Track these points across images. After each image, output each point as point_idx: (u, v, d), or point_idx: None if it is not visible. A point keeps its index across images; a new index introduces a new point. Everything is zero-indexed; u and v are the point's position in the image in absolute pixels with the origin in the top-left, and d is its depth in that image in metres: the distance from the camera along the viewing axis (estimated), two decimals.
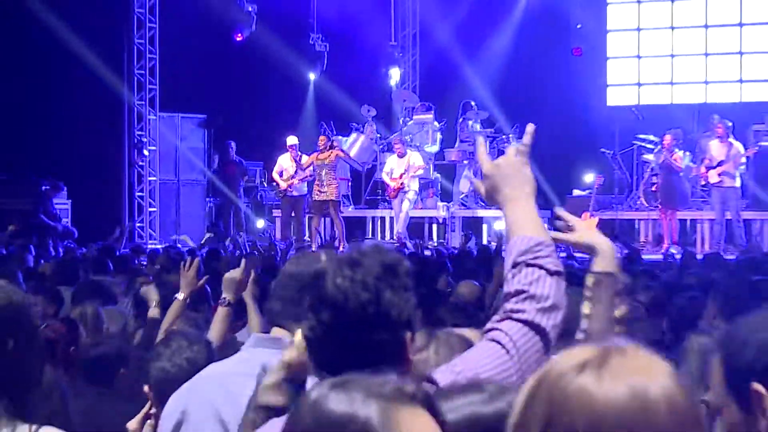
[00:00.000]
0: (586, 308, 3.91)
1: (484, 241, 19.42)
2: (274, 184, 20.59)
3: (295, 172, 20.30)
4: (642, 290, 10.03)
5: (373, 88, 23.09)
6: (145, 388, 5.35)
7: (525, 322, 3.30)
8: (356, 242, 18.30)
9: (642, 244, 19.15)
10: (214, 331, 5.76)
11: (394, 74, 23.67)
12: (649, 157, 20.03)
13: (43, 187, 19.17)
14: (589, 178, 21.07)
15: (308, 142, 21.27)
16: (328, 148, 20.18)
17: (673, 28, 23.08)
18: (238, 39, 21.23)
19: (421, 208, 21.03)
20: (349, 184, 22.09)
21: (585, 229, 4.24)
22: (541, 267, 3.39)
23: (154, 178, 20.54)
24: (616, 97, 23.49)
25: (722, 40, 22.78)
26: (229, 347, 5.84)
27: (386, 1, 23.91)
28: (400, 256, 3.39)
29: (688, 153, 19.83)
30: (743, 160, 18.95)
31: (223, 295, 5.52)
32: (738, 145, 18.94)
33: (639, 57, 23.51)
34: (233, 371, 4.57)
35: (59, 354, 6.83)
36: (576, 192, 21.05)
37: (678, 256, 16.27)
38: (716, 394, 2.93)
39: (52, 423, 3.79)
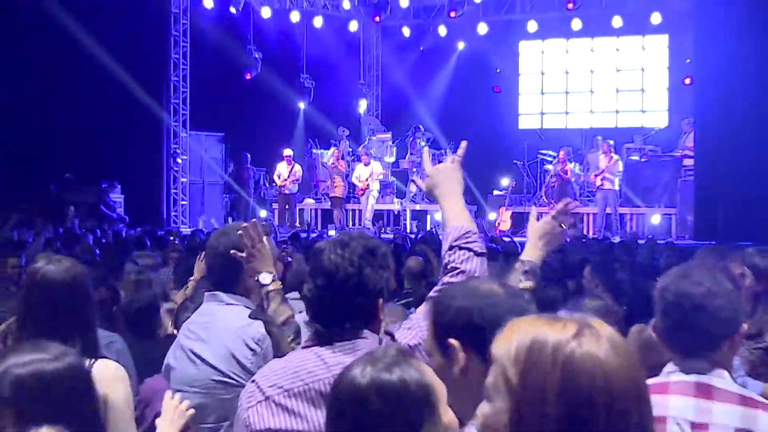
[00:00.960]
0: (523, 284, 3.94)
1: (428, 228, 19.54)
2: (273, 184, 20.76)
3: (288, 176, 20.27)
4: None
5: (347, 114, 23.11)
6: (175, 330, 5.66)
7: None
8: (347, 228, 18.49)
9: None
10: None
11: (362, 104, 23.74)
12: (549, 167, 20.31)
13: (103, 185, 19.26)
14: (504, 181, 21.25)
15: (298, 153, 21.63)
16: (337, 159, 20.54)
17: (567, 72, 23.34)
18: (248, 77, 21.20)
19: (382, 203, 21.09)
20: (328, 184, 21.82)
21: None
22: (469, 249, 3.57)
23: (185, 180, 20.53)
24: (525, 123, 23.60)
25: (603, 80, 23.05)
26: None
27: (356, 51, 23.95)
28: (379, 242, 3.64)
29: (577, 164, 20.16)
30: (620, 169, 19.21)
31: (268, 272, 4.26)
32: (616, 158, 19.15)
33: (542, 93, 23.72)
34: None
35: (106, 310, 6.81)
36: (495, 192, 21.18)
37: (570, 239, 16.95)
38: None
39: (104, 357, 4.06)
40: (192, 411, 3.67)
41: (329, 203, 20.90)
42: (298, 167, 20.73)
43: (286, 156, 20.52)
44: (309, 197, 21.70)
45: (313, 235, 17.22)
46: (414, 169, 21.28)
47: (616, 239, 16.40)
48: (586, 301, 6.19)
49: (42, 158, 19.02)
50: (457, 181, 3.83)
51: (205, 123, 21.03)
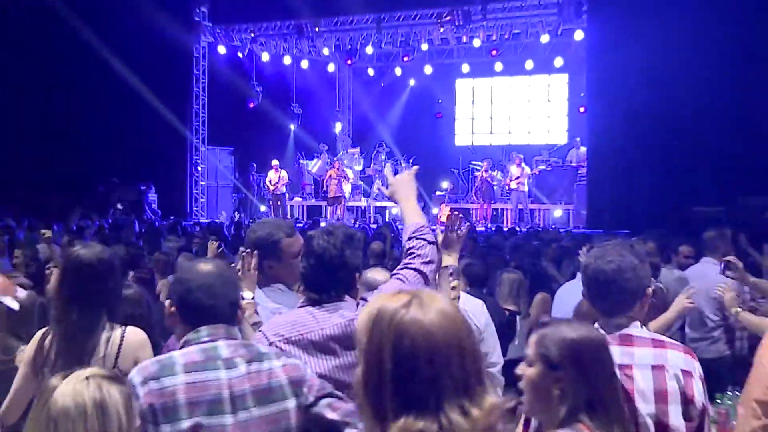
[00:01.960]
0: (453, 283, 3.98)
1: (387, 219, 19.31)
2: (266, 187, 20.54)
3: (277, 181, 20.13)
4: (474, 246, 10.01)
5: (326, 134, 22.90)
6: None
7: (415, 269, 3.51)
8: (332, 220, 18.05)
9: (475, 221, 18.99)
10: None
11: (338, 126, 23.62)
12: (477, 173, 20.14)
13: (141, 187, 19.27)
14: (444, 184, 21.13)
15: (289, 163, 21.63)
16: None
17: (491, 102, 23.37)
18: (251, 106, 21.09)
19: (352, 201, 20.93)
20: (312, 186, 22.10)
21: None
22: (424, 239, 3.59)
23: (203, 183, 20.49)
24: (459, 140, 23.54)
25: (518, 109, 23.02)
26: None
27: (333, 86, 23.92)
28: (356, 230, 3.68)
29: (498, 172, 20.10)
30: (528, 174, 19.32)
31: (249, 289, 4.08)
32: (526, 168, 19.25)
33: (473, 118, 23.65)
34: None
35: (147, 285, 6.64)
36: (438, 192, 20.88)
37: (493, 228, 16.40)
38: None
39: (137, 325, 3.97)
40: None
41: (326, 201, 20.58)
42: (284, 173, 20.49)
43: (274, 165, 20.34)
44: (298, 196, 21.54)
45: (299, 224, 16.91)
46: (376, 176, 21.13)
47: (524, 228, 16.50)
48: (504, 274, 6.82)
49: (96, 165, 18.98)
50: (412, 189, 3.85)
51: (219, 140, 20.95)
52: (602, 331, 3.02)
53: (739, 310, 4.72)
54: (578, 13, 17.73)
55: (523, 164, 19.45)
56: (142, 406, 2.63)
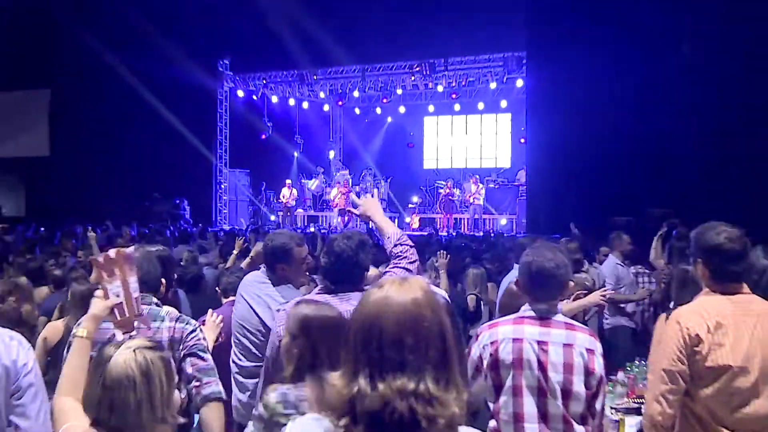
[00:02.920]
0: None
1: (370, 226, 19.32)
2: (280, 201, 20.57)
3: (289, 196, 20.36)
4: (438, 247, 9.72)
5: (322, 159, 22.81)
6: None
7: (403, 268, 3.52)
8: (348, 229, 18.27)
9: (439, 228, 18.66)
10: None
11: (332, 153, 23.51)
12: (441, 190, 20.26)
13: (176, 201, 19.19)
14: (415, 198, 21.14)
15: (293, 182, 21.26)
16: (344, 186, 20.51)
17: (452, 134, 23.28)
18: (263, 137, 21.04)
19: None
20: (311, 200, 22.10)
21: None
22: (407, 244, 3.59)
23: (225, 197, 20.32)
24: (427, 164, 23.39)
25: (472, 140, 22.94)
26: None
27: (327, 122, 23.87)
28: (367, 237, 3.70)
29: (458, 189, 20.14)
30: (481, 191, 19.38)
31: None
32: (480, 186, 19.34)
33: (437, 147, 23.54)
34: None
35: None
36: (410, 205, 20.93)
37: (454, 233, 16.49)
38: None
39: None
40: (221, 321, 3.85)
41: (336, 212, 20.52)
42: (294, 190, 20.67)
43: (287, 184, 20.50)
44: (300, 208, 21.40)
45: (299, 229, 17.05)
46: (361, 192, 20.79)
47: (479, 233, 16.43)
48: (469, 270, 6.78)
49: (142, 184, 19.07)
50: (378, 206, 3.88)
51: (238, 164, 20.83)
52: (529, 312, 3.08)
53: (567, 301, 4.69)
54: (519, 65, 17.81)
55: (477, 183, 19.53)
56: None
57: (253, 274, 4.41)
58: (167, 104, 18.48)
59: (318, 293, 3.47)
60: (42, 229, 15.40)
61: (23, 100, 21.21)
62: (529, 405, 2.95)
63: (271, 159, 21.73)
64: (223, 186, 20.45)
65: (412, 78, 19.97)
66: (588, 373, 2.97)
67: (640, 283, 7.73)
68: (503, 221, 19.30)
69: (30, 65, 19.85)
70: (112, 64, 17.90)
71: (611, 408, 4.53)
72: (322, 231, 16.52)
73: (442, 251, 6.72)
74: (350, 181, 21.63)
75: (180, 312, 3.92)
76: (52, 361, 4.90)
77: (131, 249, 3.19)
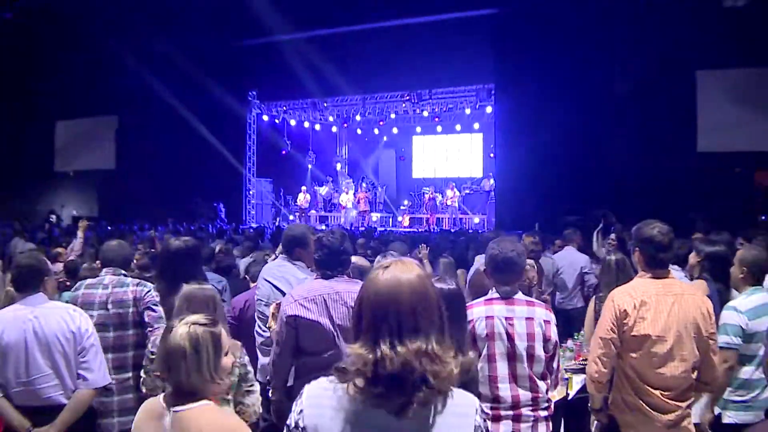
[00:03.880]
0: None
1: (368, 224, 19.32)
2: (298, 204, 20.42)
3: (304, 200, 20.29)
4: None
5: (330, 170, 22.71)
6: None
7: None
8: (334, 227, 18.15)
9: (425, 226, 19.08)
10: None
11: (338, 165, 23.34)
12: (426, 195, 20.09)
13: (215, 204, 19.09)
14: (406, 202, 20.96)
15: (307, 189, 21.15)
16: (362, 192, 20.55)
17: (435, 150, 23.02)
18: (283, 153, 20.87)
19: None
20: (322, 204, 21.72)
21: None
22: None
23: (254, 201, 20.14)
24: (416, 174, 23.16)
25: (452, 154, 22.74)
26: None
27: (335, 140, 23.64)
28: (347, 231, 3.62)
29: (439, 194, 20.03)
30: (458, 195, 19.42)
31: None
32: (457, 191, 19.37)
33: (423, 160, 23.29)
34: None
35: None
36: (402, 207, 20.71)
37: (437, 230, 16.78)
38: None
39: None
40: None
41: (358, 212, 20.51)
42: (308, 195, 20.55)
43: (303, 190, 20.42)
44: (313, 210, 21.29)
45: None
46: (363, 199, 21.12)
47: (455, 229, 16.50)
48: (441, 259, 6.52)
49: (188, 189, 19.02)
50: None
51: (263, 174, 20.67)
52: (496, 294, 3.08)
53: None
54: (489, 96, 17.81)
55: (455, 189, 19.54)
56: None
57: (272, 262, 4.39)
58: (208, 126, 18.52)
59: (315, 279, 3.45)
60: (109, 227, 15.52)
61: (96, 124, 21.56)
62: (502, 368, 2.97)
63: (289, 170, 21.64)
64: (251, 192, 20.33)
65: (403, 105, 20.00)
66: (545, 339, 3.00)
67: (593, 270, 7.71)
68: (476, 220, 19.24)
69: (102, 97, 20.09)
70: (165, 95, 17.92)
71: (563, 369, 4.55)
72: (334, 228, 16.38)
73: (422, 244, 6.69)
74: (353, 187, 21.53)
75: (222, 296, 4.11)
76: None
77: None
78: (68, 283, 5.23)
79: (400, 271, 1.67)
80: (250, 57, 18.68)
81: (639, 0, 13.72)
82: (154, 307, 3.67)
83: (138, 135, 20.20)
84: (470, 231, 15.24)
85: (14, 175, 21.19)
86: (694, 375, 3.14)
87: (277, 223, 19.37)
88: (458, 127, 21.13)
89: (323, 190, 21.60)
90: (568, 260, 7.27)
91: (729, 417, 3.50)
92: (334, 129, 23.46)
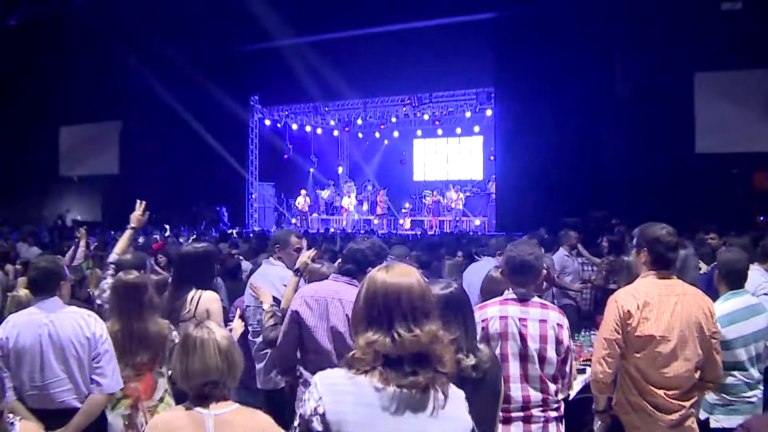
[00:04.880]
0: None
1: (370, 227, 19.29)
2: (298, 207, 20.38)
3: (304, 203, 20.22)
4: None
5: (332, 173, 22.61)
6: None
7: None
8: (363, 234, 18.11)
9: (427, 228, 18.84)
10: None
11: (340, 169, 23.27)
12: (427, 198, 20.08)
13: (218, 208, 19.01)
14: (407, 205, 20.91)
15: (309, 192, 21.18)
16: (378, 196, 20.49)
17: (435, 152, 23.02)
18: (285, 157, 20.91)
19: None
20: (324, 207, 21.66)
21: None
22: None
23: (256, 205, 20.16)
24: (417, 176, 23.12)
25: (453, 157, 22.72)
26: None
27: (336, 144, 23.67)
28: (379, 240, 3.62)
29: (441, 197, 19.86)
30: (460, 198, 19.23)
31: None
32: (459, 194, 19.21)
33: (424, 163, 23.30)
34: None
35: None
36: (403, 210, 20.68)
37: (438, 232, 16.75)
38: None
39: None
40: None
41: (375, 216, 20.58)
42: (308, 198, 20.53)
43: (303, 194, 20.41)
44: (315, 213, 21.31)
45: (312, 231, 16.87)
46: (364, 200, 21.10)
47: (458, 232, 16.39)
48: (446, 260, 6.71)
49: (191, 193, 19.00)
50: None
51: (266, 178, 20.72)
52: (512, 295, 3.08)
53: None
54: (489, 99, 17.83)
55: (457, 192, 19.47)
56: None
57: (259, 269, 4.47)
58: (210, 131, 18.52)
59: (334, 279, 3.41)
60: (112, 232, 15.46)
61: (100, 129, 21.62)
62: (514, 368, 2.97)
63: (291, 174, 21.64)
64: (253, 196, 20.35)
65: (404, 108, 20.02)
66: (558, 342, 3.00)
67: (586, 271, 7.75)
68: (477, 222, 19.18)
69: (105, 102, 20.12)
70: (168, 100, 17.95)
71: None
72: (338, 231, 16.54)
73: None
74: (355, 190, 21.50)
75: (219, 296, 4.08)
76: None
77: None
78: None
79: (402, 268, 1.82)
80: (252, 62, 18.70)
81: (638, 4, 13.73)
82: None
83: (141, 140, 20.26)
84: (471, 233, 15.17)
85: (19, 180, 21.24)
86: (697, 374, 3.14)
87: (282, 227, 19.36)
88: (459, 130, 21.11)
89: (325, 194, 21.59)
90: (558, 261, 7.44)
91: (716, 421, 3.50)
92: (336, 133, 23.45)
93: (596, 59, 14.20)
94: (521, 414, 2.95)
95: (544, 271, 3.20)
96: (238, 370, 2.24)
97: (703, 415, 3.51)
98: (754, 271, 4.19)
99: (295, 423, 1.76)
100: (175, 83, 17.85)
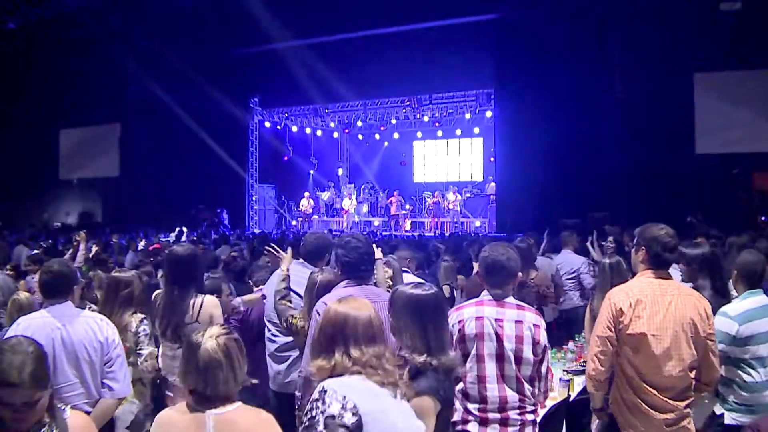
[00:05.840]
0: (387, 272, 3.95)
1: (371, 229, 19.19)
2: (300, 209, 20.30)
3: (307, 205, 20.13)
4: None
5: (332, 175, 22.56)
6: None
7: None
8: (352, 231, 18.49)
9: (428, 230, 18.90)
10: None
11: (340, 171, 23.29)
12: (428, 200, 19.89)
13: (218, 210, 19.14)
14: (407, 206, 20.65)
15: (311, 193, 20.99)
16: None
17: (435, 154, 23.00)
18: (285, 159, 20.92)
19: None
20: (324, 209, 21.54)
21: None
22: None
23: (256, 207, 20.16)
24: (417, 178, 23.11)
25: (452, 158, 22.71)
26: None
27: (336, 145, 23.64)
28: (367, 237, 3.53)
29: (441, 198, 19.47)
30: (460, 199, 19.13)
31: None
32: (458, 195, 19.06)
33: (424, 165, 23.29)
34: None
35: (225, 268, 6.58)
36: (403, 212, 20.32)
37: (438, 234, 16.66)
38: None
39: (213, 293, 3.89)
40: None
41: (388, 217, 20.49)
42: (311, 201, 20.51)
43: (306, 196, 20.36)
44: (315, 215, 21.18)
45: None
46: (364, 202, 21.05)
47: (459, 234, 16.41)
48: (442, 263, 6.55)
49: (191, 196, 18.99)
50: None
51: (266, 180, 20.74)
52: (487, 296, 3.10)
53: None
54: (488, 100, 17.86)
55: (456, 193, 19.44)
56: None
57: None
58: (210, 133, 18.55)
59: (347, 284, 3.31)
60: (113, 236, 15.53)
61: (100, 132, 21.69)
62: (490, 369, 2.98)
63: (291, 176, 21.66)
64: (254, 198, 20.37)
65: (404, 110, 20.03)
66: (534, 343, 3.00)
67: (591, 272, 7.75)
68: (477, 223, 19.15)
69: (105, 105, 20.24)
70: (168, 102, 18.03)
71: (563, 370, 4.58)
72: (334, 233, 16.48)
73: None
74: (355, 192, 21.44)
75: (216, 297, 4.02)
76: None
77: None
78: None
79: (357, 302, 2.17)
80: (252, 64, 18.75)
81: (637, 5, 13.76)
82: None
83: (141, 142, 20.30)
84: (471, 234, 15.17)
85: (19, 183, 21.33)
86: (693, 375, 3.14)
87: (283, 229, 19.42)
88: (458, 132, 21.13)
89: (325, 196, 21.58)
90: (566, 262, 7.37)
91: (732, 419, 3.51)
92: (336, 135, 23.48)
93: (596, 61, 14.24)
94: (498, 416, 2.95)
95: (520, 274, 3.19)
96: (240, 371, 2.25)
97: (718, 410, 3.54)
98: None
99: (320, 428, 1.96)
100: (175, 85, 17.91)
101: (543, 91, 14.46)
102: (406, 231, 19.24)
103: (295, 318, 3.52)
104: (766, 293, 3.64)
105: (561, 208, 13.83)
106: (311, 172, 22.50)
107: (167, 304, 3.78)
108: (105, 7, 18.17)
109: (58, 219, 22.03)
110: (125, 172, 21.33)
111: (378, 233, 16.42)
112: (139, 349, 3.75)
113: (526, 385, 3.00)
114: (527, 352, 3.00)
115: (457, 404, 2.95)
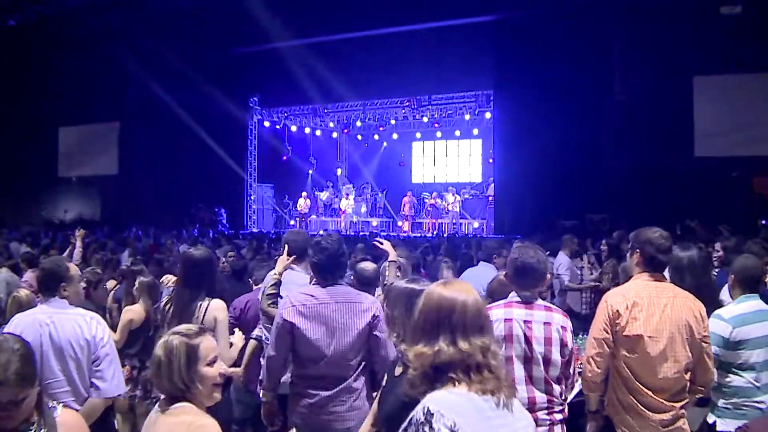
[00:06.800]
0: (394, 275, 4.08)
1: (369, 230, 19.00)
2: (298, 209, 20.31)
3: (304, 205, 20.18)
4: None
5: (331, 175, 22.53)
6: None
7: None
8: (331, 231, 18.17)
9: (426, 230, 18.98)
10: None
11: (339, 171, 23.25)
12: (427, 201, 20.06)
13: (216, 209, 19.07)
14: (406, 208, 20.47)
15: (308, 194, 21.04)
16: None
17: (434, 155, 22.96)
18: (284, 158, 20.91)
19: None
20: (322, 208, 21.61)
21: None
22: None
23: (255, 206, 20.16)
24: (415, 179, 22.97)
25: (451, 159, 22.65)
26: None
27: (335, 145, 23.62)
28: (341, 238, 3.49)
29: (439, 199, 19.92)
30: (458, 200, 19.33)
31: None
32: (457, 196, 19.26)
33: (423, 165, 23.20)
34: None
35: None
36: (402, 213, 20.45)
37: (435, 234, 16.50)
38: None
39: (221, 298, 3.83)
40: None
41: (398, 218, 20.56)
42: (308, 200, 20.52)
43: (303, 195, 20.37)
44: (313, 214, 21.25)
45: (313, 232, 16.83)
46: (363, 202, 21.09)
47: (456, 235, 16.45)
48: (441, 264, 6.66)
49: (191, 196, 19.03)
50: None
51: (264, 179, 20.72)
52: (516, 298, 3.11)
53: None
54: (488, 102, 17.88)
55: (454, 194, 19.46)
56: None
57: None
58: (210, 132, 18.56)
59: (314, 284, 3.39)
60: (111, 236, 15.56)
61: (99, 131, 21.74)
62: (519, 370, 2.98)
63: (290, 175, 21.61)
64: (252, 197, 20.35)
65: (403, 111, 20.03)
66: (562, 345, 3.02)
67: (566, 273, 7.80)
68: (476, 224, 19.18)
69: (104, 104, 20.25)
70: (167, 101, 18.05)
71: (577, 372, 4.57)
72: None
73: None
74: (353, 192, 21.51)
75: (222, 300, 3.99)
76: (132, 337, 5.11)
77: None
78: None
79: (461, 285, 1.97)
80: (252, 63, 18.74)
81: (637, 7, 13.77)
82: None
83: (140, 141, 20.36)
84: (470, 236, 15.17)
85: (18, 181, 21.33)
86: (688, 376, 3.15)
87: (281, 229, 19.44)
88: (458, 133, 21.14)
89: (324, 196, 21.60)
90: (562, 264, 7.50)
91: (723, 424, 3.50)
92: (335, 135, 23.48)
93: (595, 63, 14.25)
94: None
95: (548, 276, 3.20)
96: (177, 374, 2.14)
97: (710, 419, 3.53)
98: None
99: None
100: (175, 84, 17.90)
101: (542, 93, 14.47)
102: (405, 232, 19.24)
103: None
104: (762, 298, 3.64)
105: (560, 210, 13.85)
106: (310, 171, 22.52)
107: (178, 305, 3.77)
108: (105, 5, 18.16)
109: (57, 216, 22.01)
110: (124, 171, 21.36)
111: (377, 233, 16.40)
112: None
113: (555, 386, 3.00)
114: (555, 354, 3.00)
115: None
